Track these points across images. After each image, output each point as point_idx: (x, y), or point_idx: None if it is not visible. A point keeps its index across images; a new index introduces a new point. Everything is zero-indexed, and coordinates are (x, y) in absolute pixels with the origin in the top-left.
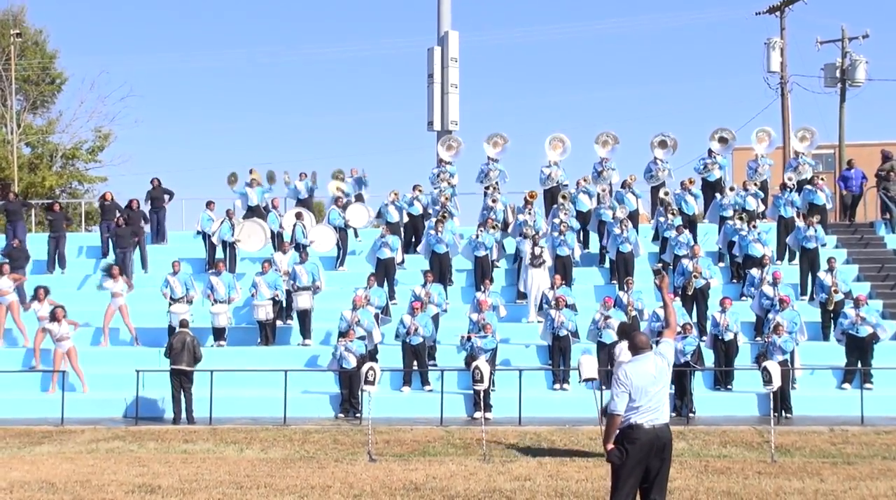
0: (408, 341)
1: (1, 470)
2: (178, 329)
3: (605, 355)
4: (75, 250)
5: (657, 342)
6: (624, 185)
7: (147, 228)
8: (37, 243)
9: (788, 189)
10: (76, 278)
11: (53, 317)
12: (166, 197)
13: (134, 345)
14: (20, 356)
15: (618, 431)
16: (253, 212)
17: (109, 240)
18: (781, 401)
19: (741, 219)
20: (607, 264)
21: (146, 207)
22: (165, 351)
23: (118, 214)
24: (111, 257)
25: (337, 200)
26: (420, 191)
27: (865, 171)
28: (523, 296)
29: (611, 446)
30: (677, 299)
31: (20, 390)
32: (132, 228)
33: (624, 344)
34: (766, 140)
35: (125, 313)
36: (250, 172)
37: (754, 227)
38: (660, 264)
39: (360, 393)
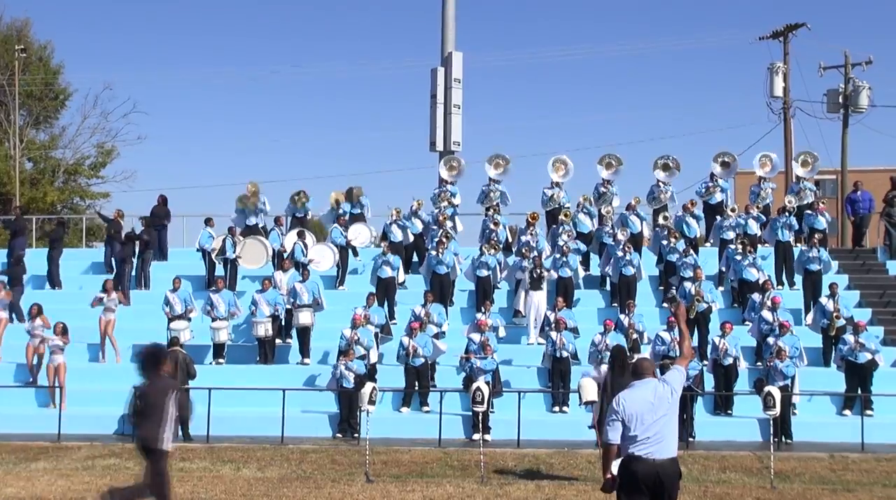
0: (409, 362)
1: None
2: (169, 348)
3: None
4: (77, 265)
5: (662, 367)
6: (628, 207)
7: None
8: (36, 259)
9: (787, 212)
10: (75, 294)
11: (53, 331)
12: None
13: (116, 362)
14: (15, 371)
15: (618, 461)
16: (251, 230)
17: (112, 256)
18: (781, 427)
19: (743, 244)
20: (608, 287)
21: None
22: None
23: (123, 233)
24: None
25: (339, 218)
26: (420, 204)
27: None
28: (518, 314)
29: (609, 475)
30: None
31: (17, 406)
32: (132, 247)
33: (603, 368)
34: (768, 165)
35: (111, 329)
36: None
37: (751, 252)
38: (673, 292)
39: (358, 413)
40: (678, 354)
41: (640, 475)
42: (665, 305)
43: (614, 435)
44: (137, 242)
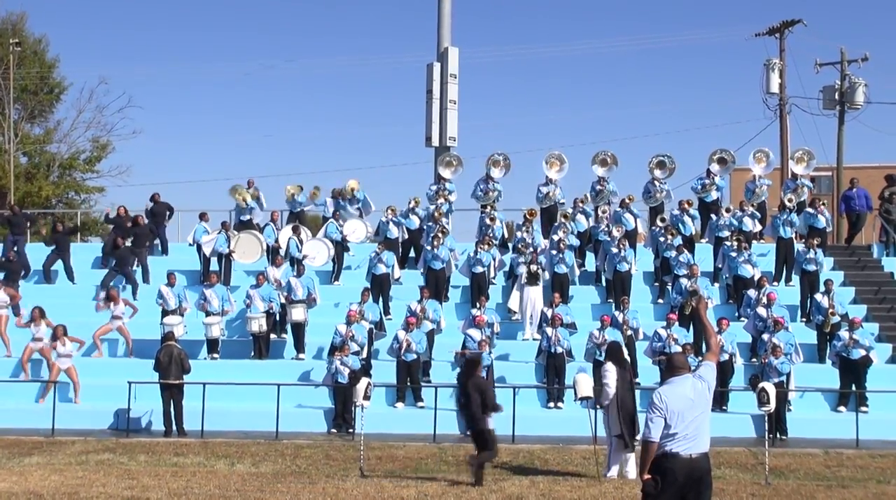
0: (402, 357)
1: None
2: (163, 342)
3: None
4: (74, 260)
5: (659, 362)
6: (622, 204)
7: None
8: (39, 253)
9: (788, 210)
10: (70, 289)
11: (54, 336)
12: (167, 213)
13: (128, 357)
14: (9, 367)
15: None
16: (244, 225)
17: (111, 258)
18: (776, 423)
19: (738, 240)
20: (604, 283)
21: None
22: (154, 365)
23: (119, 232)
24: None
25: (335, 213)
26: (417, 202)
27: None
28: (512, 312)
29: (647, 475)
30: (675, 320)
31: (11, 401)
32: (131, 248)
33: (610, 364)
34: (764, 161)
35: (126, 333)
36: (248, 184)
37: (745, 248)
38: (695, 286)
39: (353, 408)
40: (672, 350)
41: (677, 471)
42: (691, 301)
43: (656, 432)
44: (133, 237)
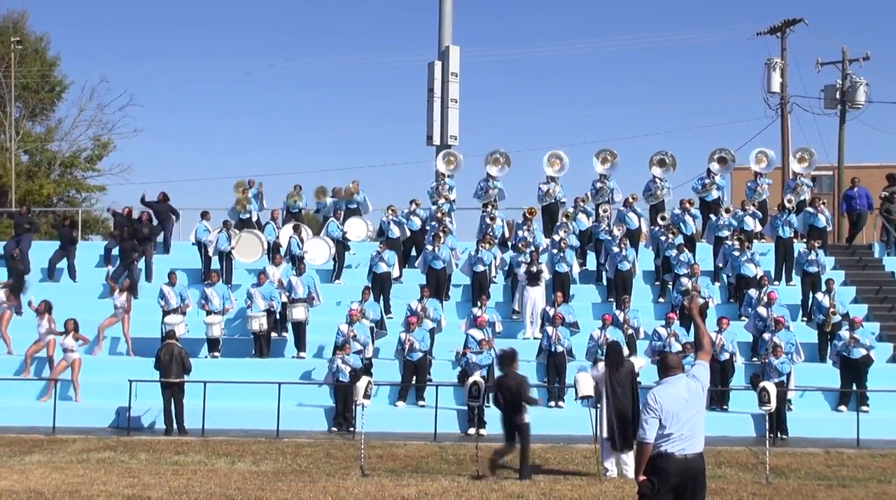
0: (407, 357)
1: None
2: (164, 341)
3: None
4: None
5: (656, 362)
6: (626, 204)
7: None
8: (44, 252)
9: (787, 210)
10: (72, 287)
11: (65, 329)
12: (173, 217)
13: (129, 355)
14: (12, 365)
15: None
16: (244, 223)
17: (113, 252)
18: (777, 422)
19: (739, 240)
20: (604, 282)
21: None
22: (154, 363)
23: (124, 228)
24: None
25: (336, 212)
26: (418, 205)
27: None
28: (516, 312)
29: (642, 477)
30: (676, 319)
31: (13, 398)
32: (132, 243)
33: (600, 366)
34: (764, 161)
35: (126, 328)
36: (249, 183)
37: (748, 247)
38: (693, 285)
39: (354, 407)
40: (673, 349)
41: (672, 471)
42: (685, 300)
43: (651, 433)
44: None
